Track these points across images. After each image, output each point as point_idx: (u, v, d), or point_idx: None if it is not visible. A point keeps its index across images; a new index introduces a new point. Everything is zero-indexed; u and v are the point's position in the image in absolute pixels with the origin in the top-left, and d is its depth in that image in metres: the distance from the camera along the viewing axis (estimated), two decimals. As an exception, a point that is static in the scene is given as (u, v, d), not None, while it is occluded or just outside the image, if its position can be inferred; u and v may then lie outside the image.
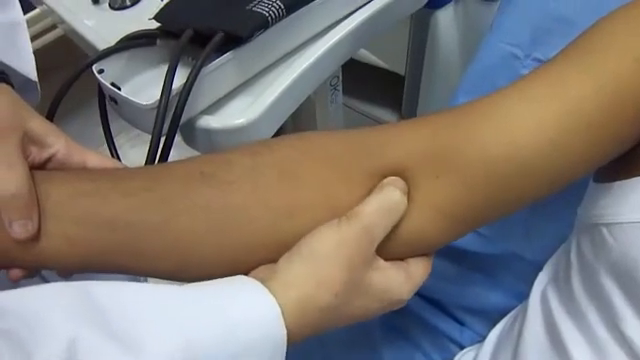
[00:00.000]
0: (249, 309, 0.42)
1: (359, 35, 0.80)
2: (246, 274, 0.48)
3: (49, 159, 0.52)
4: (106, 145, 0.73)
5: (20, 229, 0.46)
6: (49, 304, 0.38)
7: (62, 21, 0.90)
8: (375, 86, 1.48)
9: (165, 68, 0.65)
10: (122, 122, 0.74)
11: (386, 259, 0.50)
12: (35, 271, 0.51)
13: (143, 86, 0.71)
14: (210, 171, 0.50)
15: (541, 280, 0.65)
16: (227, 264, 0.48)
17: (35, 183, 0.48)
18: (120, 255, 0.48)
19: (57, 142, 0.52)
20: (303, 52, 0.75)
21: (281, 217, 0.48)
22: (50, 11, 0.92)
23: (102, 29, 0.83)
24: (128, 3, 0.89)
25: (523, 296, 0.70)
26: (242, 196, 0.48)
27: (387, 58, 1.32)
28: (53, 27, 1.34)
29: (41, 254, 0.48)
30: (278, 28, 0.70)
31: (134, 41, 0.71)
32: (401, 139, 0.50)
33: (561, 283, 0.59)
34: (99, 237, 0.47)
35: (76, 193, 0.48)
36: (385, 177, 0.50)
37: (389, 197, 0.47)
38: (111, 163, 0.54)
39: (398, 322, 0.87)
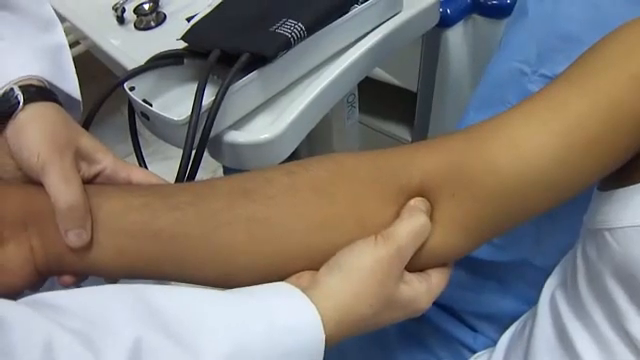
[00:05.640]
0: (293, 316, 0.45)
1: (374, 54, 0.83)
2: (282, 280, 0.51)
3: (97, 174, 0.55)
4: (126, 160, 0.75)
5: (75, 238, 0.49)
6: (111, 305, 0.41)
7: (87, 38, 0.93)
8: (388, 103, 1.50)
9: (192, 86, 0.68)
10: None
11: (410, 270, 0.53)
12: (85, 278, 0.54)
13: (172, 103, 0.74)
14: (251, 187, 0.53)
15: (550, 284, 0.68)
16: (265, 273, 0.52)
17: (88, 196, 0.51)
18: (166, 264, 0.52)
19: (105, 159, 0.55)
20: (323, 71, 0.78)
21: (315, 229, 0.52)
22: (74, 28, 0.96)
23: (128, 48, 0.87)
24: (153, 24, 0.92)
25: (533, 301, 0.72)
26: (281, 210, 0.52)
27: (400, 76, 1.34)
28: (73, 44, 1.37)
29: (92, 262, 0.51)
30: (300, 48, 0.73)
31: (163, 60, 0.75)
32: (421, 160, 0.54)
33: (569, 286, 0.62)
34: (147, 248, 0.51)
35: (127, 207, 0.52)
36: (409, 195, 0.54)
37: (419, 221, 0.51)
38: (155, 179, 0.57)
39: (413, 329, 0.89)
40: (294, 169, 0.55)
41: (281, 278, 0.52)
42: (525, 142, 0.51)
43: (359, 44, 0.81)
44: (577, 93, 0.51)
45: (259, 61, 0.70)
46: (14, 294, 0.49)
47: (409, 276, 0.52)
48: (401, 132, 1.50)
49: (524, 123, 0.52)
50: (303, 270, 0.52)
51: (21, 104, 0.53)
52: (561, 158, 0.50)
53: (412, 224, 0.51)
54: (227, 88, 0.67)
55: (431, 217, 0.53)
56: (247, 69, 0.70)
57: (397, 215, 0.53)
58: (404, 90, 1.36)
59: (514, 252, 0.82)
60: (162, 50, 0.75)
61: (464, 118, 0.86)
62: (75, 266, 0.51)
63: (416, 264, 0.53)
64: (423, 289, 0.52)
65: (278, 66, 0.72)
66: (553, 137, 0.50)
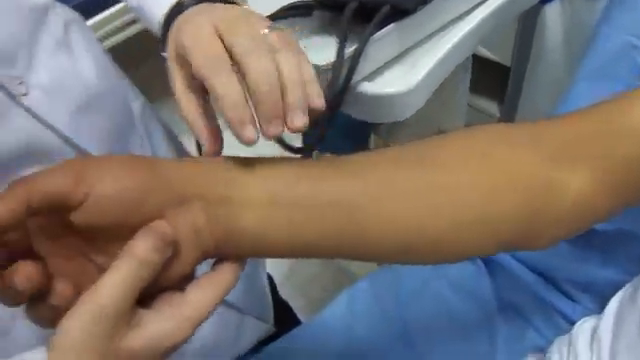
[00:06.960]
0: None
1: (495, 18, 0.83)
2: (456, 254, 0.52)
3: None
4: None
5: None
6: None
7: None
8: (476, 76, 1.49)
9: (319, 38, 0.71)
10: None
11: (552, 230, 0.53)
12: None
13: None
14: (423, 154, 0.52)
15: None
16: (445, 247, 0.51)
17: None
18: (342, 239, 0.48)
19: None
20: (452, 27, 0.78)
21: (486, 197, 0.51)
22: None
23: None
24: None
25: (635, 273, 0.72)
26: (454, 177, 0.51)
27: (494, 49, 1.35)
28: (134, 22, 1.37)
29: (262, 239, 0.47)
30: (436, 2, 0.73)
31: (291, 11, 0.75)
32: (572, 127, 0.54)
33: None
34: (323, 220, 0.47)
35: (298, 176, 0.48)
36: (562, 159, 0.52)
37: (124, 273, 0.41)
38: None
39: (514, 298, 0.90)
40: (463, 135, 0.54)
41: (457, 252, 0.52)
42: None
43: (486, 4, 0.80)
44: None
45: (397, 14, 0.71)
46: (178, 279, 0.45)
47: (144, 318, 0.43)
48: (488, 106, 1.51)
49: None
50: (475, 243, 0.52)
51: None
52: None
53: (114, 279, 0.41)
54: (369, 36, 0.67)
55: (586, 176, 0.52)
56: (383, 22, 0.70)
57: (554, 181, 0.52)
58: (493, 63, 1.37)
59: (619, 222, 0.82)
60: (282, 6, 0.74)
61: (573, 88, 0.86)
62: (244, 245, 0.47)
63: (563, 219, 0.53)
64: (168, 327, 0.43)
65: (415, 20, 0.72)
66: None
